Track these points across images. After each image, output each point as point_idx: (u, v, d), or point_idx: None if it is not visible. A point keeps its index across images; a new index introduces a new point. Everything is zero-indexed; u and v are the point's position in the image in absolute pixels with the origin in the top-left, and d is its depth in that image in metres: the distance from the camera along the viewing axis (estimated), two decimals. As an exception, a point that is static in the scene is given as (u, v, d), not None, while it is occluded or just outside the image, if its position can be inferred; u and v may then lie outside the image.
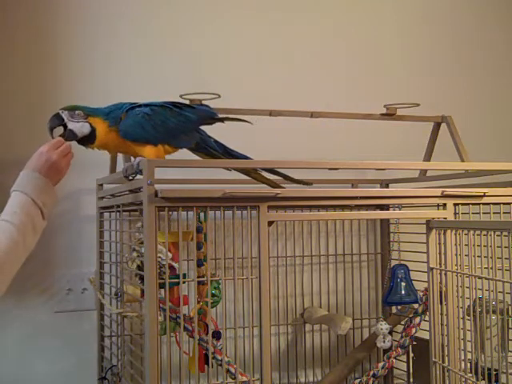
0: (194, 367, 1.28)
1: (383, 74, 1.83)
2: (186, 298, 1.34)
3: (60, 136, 1.19)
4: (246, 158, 1.29)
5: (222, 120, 1.28)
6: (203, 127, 1.29)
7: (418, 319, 1.44)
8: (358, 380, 1.46)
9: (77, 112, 1.18)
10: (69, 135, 1.19)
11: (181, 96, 1.33)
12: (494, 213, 1.29)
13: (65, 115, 1.18)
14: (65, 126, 1.19)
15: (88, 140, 1.19)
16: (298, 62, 1.75)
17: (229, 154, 1.28)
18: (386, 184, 1.70)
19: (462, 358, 1.25)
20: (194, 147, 1.27)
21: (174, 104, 1.24)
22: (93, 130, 1.18)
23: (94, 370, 1.48)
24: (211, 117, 1.28)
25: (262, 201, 1.13)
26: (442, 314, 1.27)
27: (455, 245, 1.23)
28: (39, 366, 1.52)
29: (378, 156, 1.74)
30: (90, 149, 1.22)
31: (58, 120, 1.19)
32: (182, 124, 1.23)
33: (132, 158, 1.27)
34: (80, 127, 1.18)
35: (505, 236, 1.08)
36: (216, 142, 1.28)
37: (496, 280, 1.11)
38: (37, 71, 1.55)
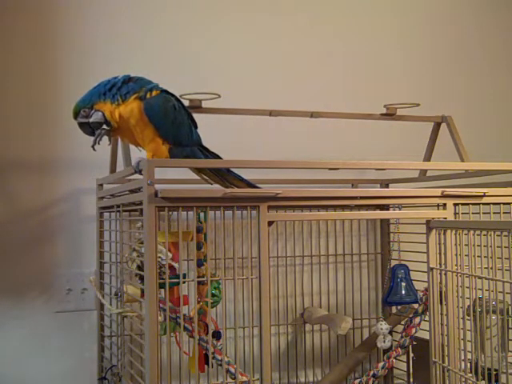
0: (194, 367, 1.28)
1: (383, 74, 1.83)
2: (186, 297, 1.34)
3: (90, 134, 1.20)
4: (238, 178, 1.28)
5: (205, 149, 1.28)
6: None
7: (417, 319, 1.44)
8: (358, 380, 1.46)
9: (81, 111, 1.18)
10: (94, 126, 1.19)
11: (181, 96, 1.32)
12: (494, 213, 1.29)
13: (80, 119, 1.19)
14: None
15: (107, 125, 1.19)
16: (298, 62, 1.75)
17: (219, 170, 1.27)
18: (385, 184, 1.70)
19: (462, 358, 1.25)
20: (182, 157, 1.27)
21: (191, 116, 1.26)
22: (103, 115, 1.18)
23: (93, 370, 1.48)
24: (200, 144, 1.28)
25: (262, 201, 1.13)
26: (441, 313, 1.27)
27: (455, 245, 1.23)
28: (39, 365, 1.52)
29: (377, 156, 1.74)
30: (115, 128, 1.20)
31: (86, 127, 1.19)
32: (186, 137, 1.23)
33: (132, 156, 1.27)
34: (95, 117, 1.18)
35: (505, 236, 1.08)
36: (206, 156, 1.28)
37: (496, 280, 1.11)
38: (36, 72, 1.55)
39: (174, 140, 1.20)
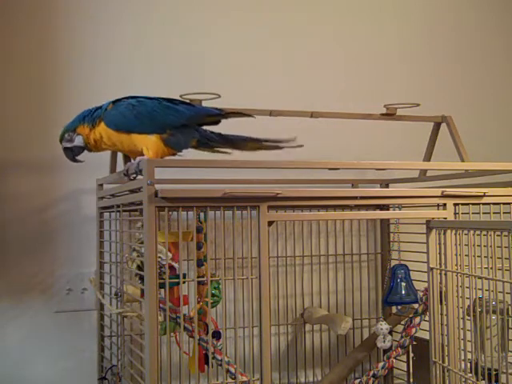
0: (194, 367, 1.28)
1: (383, 74, 1.83)
2: (186, 297, 1.34)
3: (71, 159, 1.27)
4: (244, 138, 1.29)
5: (224, 116, 1.27)
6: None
7: (417, 319, 1.44)
8: (358, 380, 1.46)
9: (66, 135, 1.24)
10: (76, 151, 1.25)
11: (181, 96, 1.33)
12: (493, 213, 1.29)
13: (65, 143, 1.24)
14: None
15: (87, 148, 1.25)
16: (298, 62, 1.75)
17: (228, 139, 1.28)
18: (385, 184, 1.70)
19: (462, 357, 1.25)
20: (196, 145, 1.27)
21: (168, 99, 1.24)
22: (84, 138, 1.23)
23: (93, 369, 1.48)
24: (211, 113, 1.26)
25: (262, 201, 1.13)
26: (442, 314, 1.27)
27: (455, 245, 1.23)
28: (39, 365, 1.52)
29: (377, 156, 1.74)
30: (97, 152, 1.27)
31: (69, 152, 1.25)
32: (171, 117, 1.21)
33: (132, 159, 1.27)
34: (77, 141, 1.24)
35: (505, 236, 1.08)
36: (214, 133, 1.28)
37: (496, 280, 1.11)
38: (36, 72, 1.55)
39: (157, 127, 1.20)
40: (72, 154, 1.25)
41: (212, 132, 1.28)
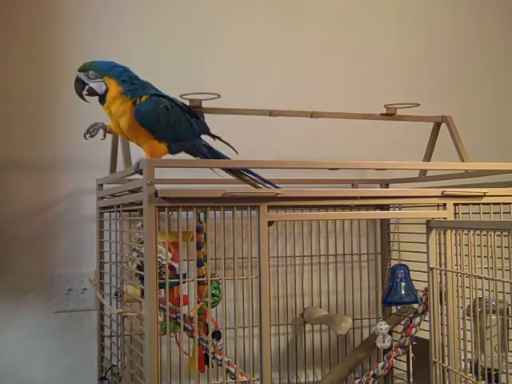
0: (194, 367, 1.28)
1: (383, 74, 1.83)
2: (186, 297, 1.34)
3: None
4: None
5: (213, 137, 1.32)
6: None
7: (417, 319, 1.44)
8: (358, 380, 1.46)
9: (91, 72, 1.17)
10: (90, 91, 1.18)
11: (181, 96, 1.32)
12: (494, 213, 1.29)
13: (82, 76, 1.18)
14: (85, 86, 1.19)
15: (101, 100, 1.18)
16: (298, 62, 1.75)
17: (216, 157, 1.29)
18: (385, 184, 1.70)
19: (462, 357, 1.25)
20: (185, 151, 1.28)
21: (188, 110, 1.26)
22: (106, 90, 1.17)
23: (93, 370, 1.48)
24: (207, 132, 1.31)
25: (262, 201, 1.13)
26: (442, 313, 1.27)
27: (455, 245, 1.23)
28: (39, 365, 1.52)
29: (378, 156, 1.74)
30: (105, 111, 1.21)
31: (80, 83, 1.19)
32: (186, 131, 1.24)
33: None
34: (98, 86, 1.17)
35: (505, 236, 1.08)
36: (208, 147, 1.29)
37: (496, 280, 1.11)
38: (36, 72, 1.55)
39: (172, 139, 1.21)
40: (82, 88, 1.18)
41: (205, 145, 1.29)
